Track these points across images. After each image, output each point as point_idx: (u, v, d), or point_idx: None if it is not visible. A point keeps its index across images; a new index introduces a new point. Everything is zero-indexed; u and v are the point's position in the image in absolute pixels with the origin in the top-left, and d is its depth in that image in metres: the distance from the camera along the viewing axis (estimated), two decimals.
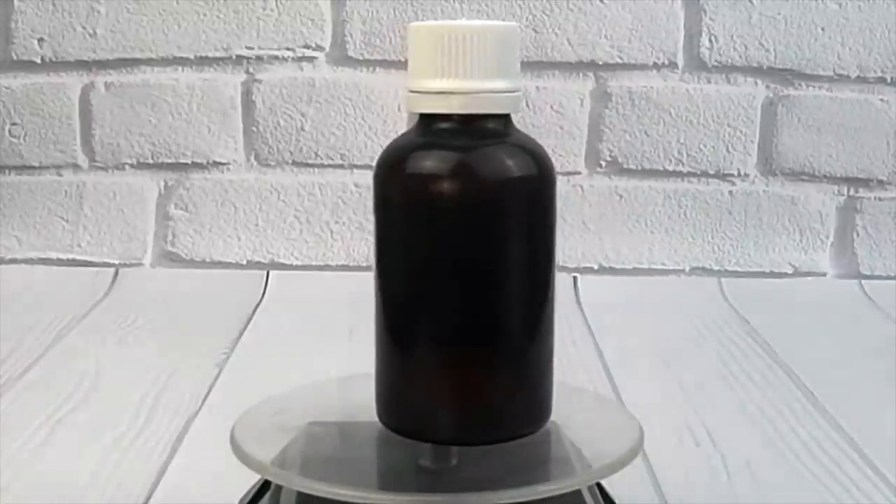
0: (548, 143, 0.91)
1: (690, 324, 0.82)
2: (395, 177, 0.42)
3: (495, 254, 0.41)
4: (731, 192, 0.93)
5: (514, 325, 0.42)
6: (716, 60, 0.91)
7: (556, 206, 0.43)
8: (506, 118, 0.42)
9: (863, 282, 0.93)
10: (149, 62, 0.91)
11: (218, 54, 0.91)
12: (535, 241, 0.42)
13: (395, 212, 0.42)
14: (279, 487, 0.43)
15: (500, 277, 0.41)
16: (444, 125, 0.41)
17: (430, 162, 0.41)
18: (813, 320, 0.86)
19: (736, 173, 0.93)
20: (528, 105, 0.91)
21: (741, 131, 0.92)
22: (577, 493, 0.42)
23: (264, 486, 0.46)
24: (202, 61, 0.91)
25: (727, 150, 0.92)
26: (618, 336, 0.79)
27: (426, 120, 0.42)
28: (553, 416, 0.46)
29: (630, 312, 0.86)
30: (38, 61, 0.91)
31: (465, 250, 0.41)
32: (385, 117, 0.91)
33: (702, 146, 0.92)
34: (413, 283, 0.42)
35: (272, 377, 0.68)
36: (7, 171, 0.93)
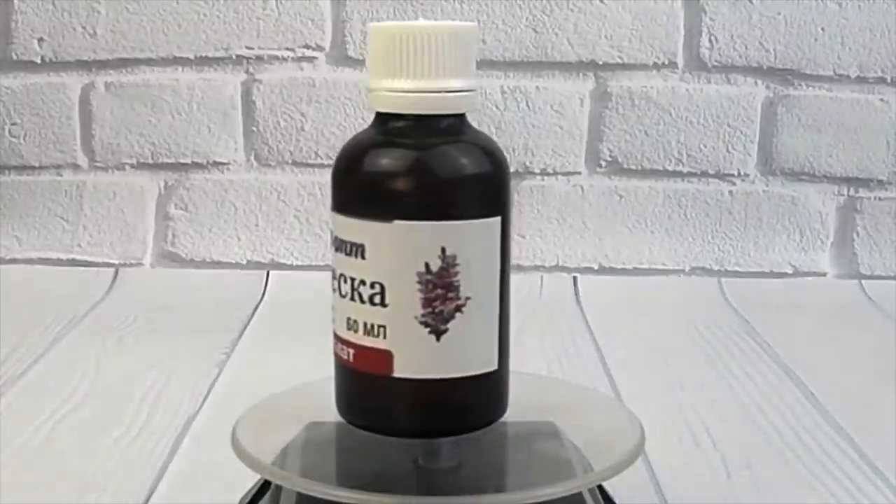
0: (548, 143, 0.92)
1: (690, 324, 0.82)
2: (352, 174, 0.42)
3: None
4: (731, 192, 0.93)
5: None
6: (716, 60, 0.91)
7: (510, 204, 0.43)
8: (461, 116, 0.42)
9: (863, 282, 0.93)
10: (149, 62, 0.91)
11: (218, 54, 0.91)
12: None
13: (352, 209, 0.42)
14: (279, 487, 0.43)
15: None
16: (400, 123, 0.42)
17: (386, 160, 0.41)
18: (813, 320, 0.86)
19: (736, 173, 0.93)
20: (527, 105, 0.91)
21: (741, 131, 0.92)
22: (578, 495, 0.42)
23: (264, 486, 0.46)
24: (202, 61, 0.91)
25: (727, 150, 0.92)
26: (617, 336, 0.79)
27: (383, 118, 0.42)
28: (554, 417, 0.46)
29: (630, 312, 0.86)
30: (38, 61, 0.91)
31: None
32: None
33: (702, 146, 0.92)
34: None
35: (272, 377, 0.68)
36: (7, 171, 0.93)
